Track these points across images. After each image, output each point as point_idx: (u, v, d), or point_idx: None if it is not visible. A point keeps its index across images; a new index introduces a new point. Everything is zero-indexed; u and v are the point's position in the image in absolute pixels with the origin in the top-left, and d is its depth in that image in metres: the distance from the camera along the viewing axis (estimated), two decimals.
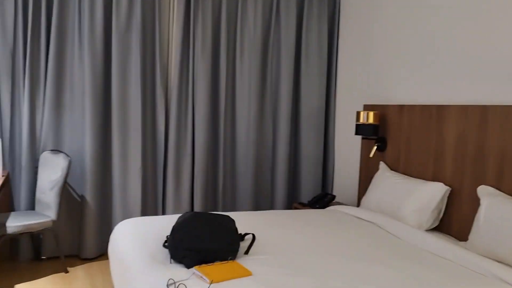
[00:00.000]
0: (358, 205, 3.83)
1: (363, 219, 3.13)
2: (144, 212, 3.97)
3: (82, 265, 3.75)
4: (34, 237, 3.80)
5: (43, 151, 3.71)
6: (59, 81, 3.72)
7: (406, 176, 3.24)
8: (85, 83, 3.72)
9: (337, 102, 4.38)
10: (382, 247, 2.51)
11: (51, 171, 3.53)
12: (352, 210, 3.29)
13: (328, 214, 3.25)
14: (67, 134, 3.80)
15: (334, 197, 3.88)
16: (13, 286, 3.28)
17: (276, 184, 4.33)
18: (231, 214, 3.15)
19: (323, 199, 3.84)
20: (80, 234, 3.86)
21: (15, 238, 3.75)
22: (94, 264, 3.79)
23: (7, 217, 3.36)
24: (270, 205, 4.34)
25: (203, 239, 2.16)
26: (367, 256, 2.32)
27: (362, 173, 3.82)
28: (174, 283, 1.85)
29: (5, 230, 3.20)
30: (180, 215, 2.69)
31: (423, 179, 3.14)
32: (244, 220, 2.98)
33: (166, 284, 1.85)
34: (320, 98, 4.36)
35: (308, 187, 4.37)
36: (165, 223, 2.77)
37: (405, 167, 3.34)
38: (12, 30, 3.55)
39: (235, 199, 4.27)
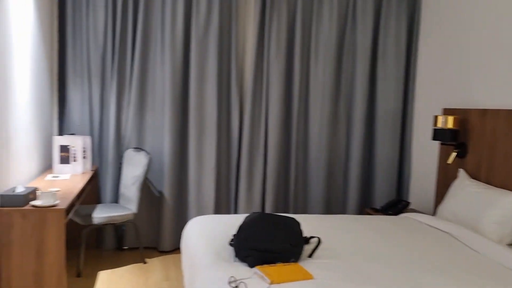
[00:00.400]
0: (434, 213, 3.65)
1: (438, 229, 2.97)
2: (217, 210, 4.11)
3: (159, 257, 3.97)
4: (117, 228, 4.09)
5: (127, 148, 3.99)
6: (143, 84, 3.97)
7: (488, 185, 3.03)
8: (165, 86, 3.94)
9: (415, 106, 4.20)
10: (458, 260, 2.37)
11: (134, 168, 3.79)
12: (426, 219, 3.14)
13: (400, 222, 3.13)
14: (148, 133, 4.05)
15: (408, 204, 3.73)
16: (97, 273, 3.57)
17: (348, 188, 4.26)
18: (300, 217, 3.17)
19: (397, 205, 3.71)
20: (158, 228, 4.09)
21: (100, 228, 4.07)
22: (170, 257, 3.99)
23: (94, 209, 3.66)
24: (342, 209, 4.28)
25: (267, 240, 2.20)
26: (440, 269, 2.21)
27: (439, 180, 3.63)
28: (235, 280, 1.91)
29: (92, 221, 3.48)
30: (248, 215, 2.75)
31: (507, 189, 2.91)
32: (312, 223, 2.98)
33: (227, 281, 1.91)
34: (396, 101, 4.22)
35: (382, 193, 4.24)
36: (233, 222, 2.86)
37: (487, 176, 3.12)
38: (102, 38, 3.86)
39: (306, 202, 4.27)
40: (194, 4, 3.90)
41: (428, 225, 3.07)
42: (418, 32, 4.20)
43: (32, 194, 2.59)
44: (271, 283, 1.90)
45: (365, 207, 4.28)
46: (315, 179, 4.21)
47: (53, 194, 2.54)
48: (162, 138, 4.05)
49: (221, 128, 4.10)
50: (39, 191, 2.56)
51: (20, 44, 2.97)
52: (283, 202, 4.23)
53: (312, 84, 4.15)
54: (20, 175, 3.01)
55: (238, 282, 1.89)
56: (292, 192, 4.17)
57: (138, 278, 3.50)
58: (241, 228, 2.33)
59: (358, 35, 4.15)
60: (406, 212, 3.72)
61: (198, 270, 2.15)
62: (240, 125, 4.14)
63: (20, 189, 2.59)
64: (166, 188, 4.00)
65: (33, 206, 2.48)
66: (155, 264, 3.82)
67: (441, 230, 2.92)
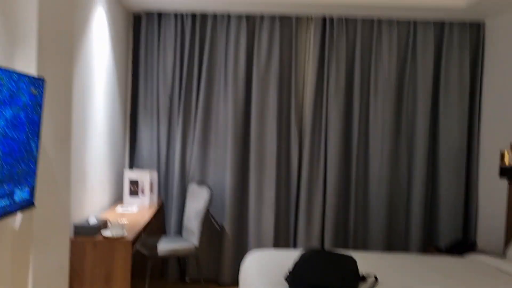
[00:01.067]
0: (503, 256, 3.43)
1: (509, 274, 2.80)
2: (276, 243, 4.15)
3: None
4: (180, 259, 4.24)
5: (191, 182, 4.18)
6: (206, 121, 4.19)
7: None
8: (228, 123, 4.13)
9: (481, 141, 4.04)
10: None
11: (196, 201, 3.95)
12: (495, 262, 2.98)
13: (466, 264, 2.99)
14: (211, 168, 4.22)
15: (475, 244, 3.55)
16: None
17: (410, 226, 4.13)
18: (360, 254, 3.12)
19: (463, 245, 3.54)
20: (219, 260, 4.19)
21: (165, 259, 4.24)
22: None
23: (159, 241, 3.84)
24: (404, 246, 4.14)
25: (321, 277, 2.21)
26: None
27: (509, 219, 3.43)
28: None
29: (157, 252, 3.65)
30: (303, 250, 2.77)
31: None
32: (371, 261, 2.93)
33: None
34: (461, 137, 4.09)
35: (447, 231, 4.06)
36: (290, 256, 2.88)
37: None
38: (170, 79, 4.15)
39: (366, 237, 4.18)
40: (256, 45, 4.10)
41: (497, 268, 2.90)
42: (482, 65, 4.09)
43: (103, 225, 2.80)
44: None
45: (429, 245, 4.11)
46: (376, 215, 4.13)
47: (122, 226, 2.73)
48: (224, 173, 4.20)
49: (280, 163, 4.19)
50: (110, 223, 2.76)
51: (99, 86, 3.28)
52: (342, 237, 4.18)
53: (371, 120, 4.15)
54: (93, 206, 3.26)
55: None
56: (351, 227, 4.12)
57: None
58: (297, 264, 2.36)
59: (419, 70, 4.12)
60: (473, 253, 3.54)
61: None
62: (299, 160, 4.20)
63: (92, 220, 2.81)
64: (227, 221, 4.11)
65: (104, 236, 2.67)
66: None
67: None
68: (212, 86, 4.19)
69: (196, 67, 4.15)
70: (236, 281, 4.21)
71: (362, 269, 2.73)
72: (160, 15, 4.17)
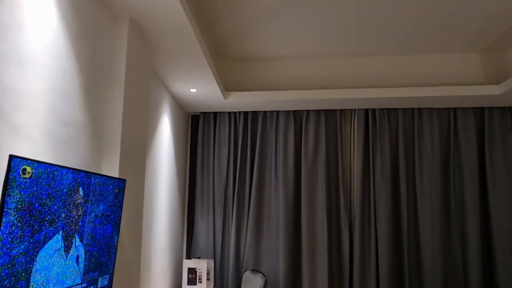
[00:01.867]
0: None
1: None
2: None
3: None
4: None
5: (245, 270, 4.31)
6: (259, 211, 4.42)
7: None
8: (279, 213, 4.33)
9: None
10: None
11: None
12: None
13: None
14: (264, 256, 4.36)
15: None
16: None
17: None
18: None
19: None
20: None
21: None
22: None
23: None
24: None
25: None
26: None
27: None
28: None
29: None
30: None
31: None
32: None
33: None
34: None
35: None
36: None
37: None
38: (225, 173, 4.49)
39: None
40: (303, 137, 4.42)
41: None
42: None
43: None
44: None
45: None
46: None
47: None
48: (277, 260, 4.32)
49: (332, 250, 4.27)
50: None
51: (163, 181, 3.65)
52: None
53: (419, 204, 4.22)
54: None
55: None
56: None
57: None
58: None
59: (463, 154, 4.23)
60: None
61: None
62: (351, 247, 4.27)
63: None
64: None
65: None
66: None
67: None
68: (263, 177, 4.48)
69: (248, 160, 4.48)
70: None
71: None
72: (216, 114, 4.63)
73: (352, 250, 4.26)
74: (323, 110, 4.45)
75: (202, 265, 4.09)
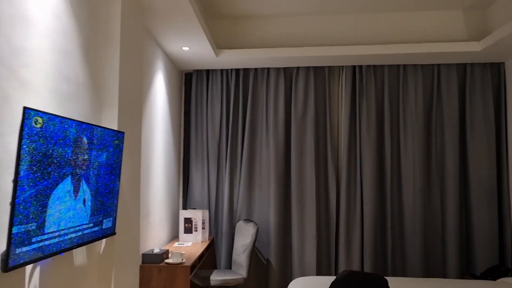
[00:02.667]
0: None
1: None
2: (319, 274, 4.43)
3: None
4: None
5: (238, 220, 4.60)
6: (251, 164, 4.65)
7: None
8: (270, 165, 4.57)
9: (511, 170, 4.26)
10: None
11: (244, 237, 4.35)
12: None
13: (493, 285, 3.19)
14: (256, 207, 4.64)
15: (509, 270, 3.71)
16: None
17: (447, 255, 4.32)
18: (396, 278, 3.38)
19: (497, 271, 3.71)
20: None
21: None
22: None
23: (211, 273, 4.24)
24: (441, 276, 4.32)
25: None
26: None
27: None
28: None
29: (209, 282, 4.05)
30: (340, 273, 3.09)
31: None
32: (405, 284, 3.19)
33: None
34: (490, 169, 4.32)
35: (484, 259, 4.22)
36: (327, 282, 3.20)
37: None
38: (218, 128, 4.69)
39: (404, 267, 4.40)
40: (293, 93, 4.60)
41: None
42: (505, 101, 4.36)
43: (165, 254, 3.26)
44: None
45: (466, 273, 4.27)
46: (412, 246, 4.36)
47: (181, 254, 3.17)
48: (268, 210, 4.60)
49: (320, 200, 4.55)
50: (170, 252, 3.21)
51: (158, 136, 3.85)
52: (381, 267, 4.42)
53: (403, 157, 4.47)
54: (155, 240, 3.74)
55: None
56: (389, 258, 4.36)
57: None
58: (333, 284, 2.70)
59: (445, 109, 4.44)
60: (506, 278, 3.69)
61: None
62: (337, 197, 4.55)
63: (156, 250, 3.27)
64: (272, 256, 4.47)
65: (167, 263, 3.13)
66: None
67: None
68: (255, 132, 4.69)
69: (240, 116, 4.68)
70: None
71: None
72: (208, 71, 4.78)
73: (339, 201, 4.54)
74: (312, 67, 4.61)
75: (198, 215, 4.37)
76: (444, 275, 4.33)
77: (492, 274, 3.71)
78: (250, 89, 4.67)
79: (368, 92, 4.53)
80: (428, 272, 4.35)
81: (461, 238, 4.34)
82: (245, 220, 4.53)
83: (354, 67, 4.59)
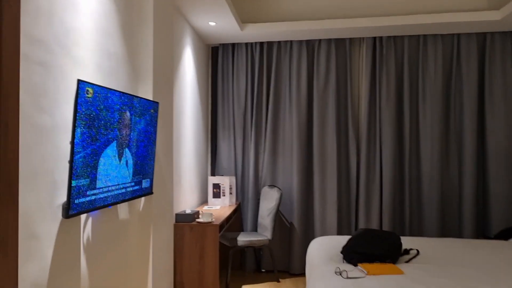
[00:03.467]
0: None
1: None
2: (339, 235, 4.69)
3: (290, 278, 4.68)
4: (256, 252, 4.94)
5: (263, 186, 4.89)
6: (275, 134, 4.90)
7: None
8: (293, 135, 4.81)
9: None
10: None
11: (268, 202, 4.64)
12: None
13: (503, 244, 3.38)
14: (280, 174, 4.91)
15: None
16: (241, 286, 4.41)
17: (463, 220, 4.51)
18: (412, 238, 3.61)
19: (511, 232, 3.89)
20: (289, 253, 4.83)
21: (243, 251, 4.96)
22: (300, 279, 4.67)
23: (238, 235, 4.56)
24: (457, 237, 4.51)
25: (368, 246, 2.79)
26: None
27: None
28: (340, 271, 2.54)
29: (236, 243, 4.38)
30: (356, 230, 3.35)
31: None
32: (420, 242, 3.42)
33: (334, 271, 2.56)
34: (508, 136, 4.43)
35: (499, 222, 4.39)
36: (346, 240, 3.46)
37: None
38: (243, 100, 4.93)
39: (421, 230, 4.62)
40: (315, 65, 4.78)
41: None
42: None
43: (196, 214, 3.58)
44: (368, 274, 2.49)
45: (481, 237, 4.46)
46: (429, 210, 4.56)
47: (211, 215, 3.48)
48: (291, 177, 4.86)
49: (340, 167, 4.78)
50: (201, 213, 3.52)
51: (188, 107, 4.12)
52: (399, 229, 4.65)
53: (421, 125, 4.62)
54: (187, 203, 4.07)
55: (342, 271, 2.52)
56: (407, 223, 4.58)
57: None
58: (350, 240, 2.96)
59: (464, 77, 4.54)
60: None
61: (315, 267, 2.83)
62: (357, 164, 4.76)
63: (188, 211, 3.59)
64: (295, 219, 4.76)
65: (198, 222, 3.44)
66: (287, 283, 4.53)
67: None
68: (278, 103, 4.91)
69: (264, 88, 4.90)
70: (305, 271, 4.80)
71: (411, 247, 3.25)
72: (234, 45, 4.99)
73: (359, 167, 4.76)
74: (334, 39, 4.76)
75: (225, 181, 4.67)
76: (459, 237, 4.53)
77: (505, 235, 3.89)
78: (274, 62, 4.87)
79: (388, 63, 4.66)
80: (444, 234, 4.56)
81: (478, 203, 4.51)
82: (269, 185, 4.81)
83: (374, 38, 4.71)
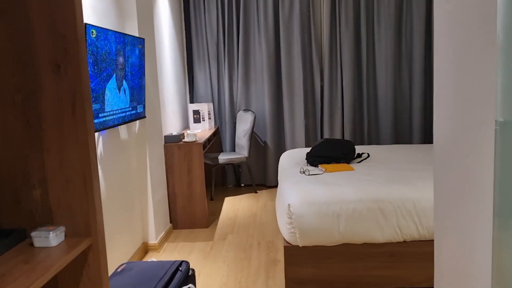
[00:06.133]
0: None
1: None
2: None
3: (267, 190, 5.38)
4: (235, 168, 5.58)
5: (239, 110, 5.42)
6: (246, 62, 5.35)
7: None
8: (263, 62, 5.27)
9: None
10: None
11: (244, 124, 5.20)
12: None
13: None
14: (253, 98, 5.43)
15: None
16: (224, 198, 5.09)
17: (413, 131, 5.22)
18: (371, 147, 4.26)
19: None
20: (264, 169, 5.49)
21: (224, 168, 5.60)
22: (275, 190, 5.37)
23: (219, 154, 5.16)
24: (408, 143, 5.24)
25: (327, 151, 3.42)
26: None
27: None
28: (303, 170, 3.18)
29: (218, 161, 4.98)
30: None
31: None
32: (375, 149, 4.08)
33: (299, 171, 3.19)
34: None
35: None
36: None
37: None
38: (216, 30, 5.31)
39: (378, 139, 5.33)
40: None
41: None
42: None
43: (182, 136, 4.12)
44: (326, 171, 3.13)
45: (427, 142, 5.21)
46: (385, 124, 5.24)
47: (195, 135, 4.03)
48: (263, 101, 5.40)
49: (307, 89, 5.32)
50: (186, 134, 4.06)
51: (165, 40, 4.51)
52: (359, 139, 5.35)
53: (377, 47, 5.16)
54: (172, 127, 4.59)
55: (305, 170, 3.16)
56: (366, 135, 5.27)
57: (251, 201, 4.94)
58: (312, 147, 3.58)
59: (414, 2, 5.03)
60: None
61: (284, 170, 3.46)
62: (321, 85, 5.32)
63: (174, 133, 4.13)
64: (268, 138, 5.36)
65: (184, 142, 3.99)
66: (263, 193, 5.23)
67: None
68: (248, 32, 5.31)
69: (234, 18, 5.27)
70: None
71: (363, 151, 3.91)
72: None
73: (323, 88, 5.32)
74: None
75: (204, 107, 5.17)
76: (410, 143, 5.27)
77: None
78: None
79: None
80: (397, 141, 5.29)
81: (426, 113, 5.20)
82: (244, 110, 5.35)
83: None
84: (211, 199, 5.06)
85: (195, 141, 3.99)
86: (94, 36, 2.36)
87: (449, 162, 1.17)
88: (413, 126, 5.21)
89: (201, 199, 4.03)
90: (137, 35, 3.21)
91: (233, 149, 5.54)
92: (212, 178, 5.01)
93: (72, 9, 1.25)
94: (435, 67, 1.24)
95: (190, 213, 4.05)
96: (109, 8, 2.92)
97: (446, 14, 1.14)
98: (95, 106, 2.41)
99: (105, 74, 2.53)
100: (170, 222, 4.04)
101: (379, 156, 3.75)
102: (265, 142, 5.45)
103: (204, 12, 5.32)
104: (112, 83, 2.63)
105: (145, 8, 3.42)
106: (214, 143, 5.55)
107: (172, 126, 4.62)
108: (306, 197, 2.59)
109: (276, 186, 5.49)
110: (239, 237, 3.80)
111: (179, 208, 4.04)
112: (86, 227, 1.31)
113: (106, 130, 2.77)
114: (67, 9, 1.25)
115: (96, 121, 2.43)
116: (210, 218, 4.38)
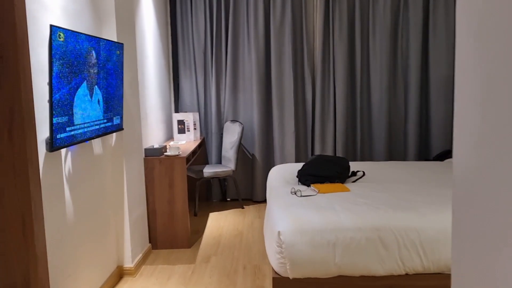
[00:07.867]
0: None
1: None
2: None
3: (254, 205, 5.11)
4: (221, 182, 5.30)
5: (226, 121, 5.15)
6: (235, 70, 5.09)
7: None
8: (252, 71, 5.02)
9: None
10: None
11: (231, 135, 4.93)
12: None
13: (439, 165, 3.87)
14: (241, 108, 5.17)
15: None
16: (208, 214, 4.80)
17: (408, 145, 5.00)
18: (365, 163, 4.03)
19: (447, 155, 4.39)
20: (252, 183, 5.22)
21: (209, 182, 5.31)
22: (262, 205, 5.10)
23: (204, 167, 4.88)
24: (403, 160, 5.02)
25: (320, 169, 3.16)
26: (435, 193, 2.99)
27: None
28: (295, 190, 2.91)
29: (203, 174, 4.70)
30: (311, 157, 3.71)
31: None
32: (369, 166, 3.85)
33: (290, 191, 2.92)
34: (448, 68, 4.83)
35: (438, 147, 4.90)
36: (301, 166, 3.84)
37: None
38: (203, 38, 5.05)
39: (372, 155, 5.09)
40: (271, 2, 4.91)
41: None
42: None
43: (164, 149, 3.83)
44: (319, 192, 2.88)
45: (422, 159, 4.99)
46: (378, 139, 5.01)
47: (178, 148, 3.75)
48: (252, 111, 5.14)
49: (297, 100, 5.08)
50: (168, 147, 3.77)
51: (149, 47, 4.23)
52: (352, 154, 5.11)
53: (371, 58, 4.94)
54: (154, 139, 4.30)
55: (297, 190, 2.90)
56: (358, 150, 5.03)
57: (237, 217, 4.66)
58: (304, 164, 3.32)
59: (411, 12, 4.84)
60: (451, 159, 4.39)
61: (274, 189, 3.20)
62: (313, 96, 5.08)
63: (156, 146, 3.84)
64: (256, 151, 5.10)
65: (166, 155, 3.71)
66: (251, 209, 4.95)
67: None
68: (237, 40, 5.06)
69: (223, 25, 5.02)
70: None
71: (359, 170, 3.66)
72: None
73: (314, 99, 5.08)
74: None
75: (189, 117, 4.89)
76: (404, 160, 5.04)
77: (442, 157, 4.39)
78: (232, 0, 4.96)
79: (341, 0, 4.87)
80: (391, 158, 5.06)
81: (421, 129, 4.99)
82: (231, 120, 5.08)
83: None
84: (195, 215, 4.77)
85: (177, 155, 3.71)
86: (61, 39, 2.08)
87: (471, 195, 0.93)
88: (408, 140, 5.00)
89: (183, 217, 3.74)
90: (115, 39, 2.94)
91: (219, 162, 5.26)
92: (196, 192, 4.72)
93: (11, 10, 0.97)
94: (456, 86, 0.99)
95: (171, 232, 3.75)
96: (83, 10, 2.64)
97: (473, 22, 0.90)
98: (62, 119, 2.12)
99: (74, 83, 2.25)
100: (150, 242, 3.74)
101: (374, 174, 3.51)
102: (253, 155, 5.18)
103: (192, 17, 5.06)
104: (82, 91, 2.35)
105: (125, 11, 3.15)
106: (199, 155, 5.27)
107: (154, 137, 4.33)
108: (298, 224, 2.33)
109: (264, 201, 5.22)
110: (223, 260, 3.51)
111: (159, 227, 3.75)
112: (25, 282, 1.03)
113: (75, 145, 2.48)
114: (6, 12, 0.97)
115: (63, 135, 2.14)
116: (192, 237, 4.09)
